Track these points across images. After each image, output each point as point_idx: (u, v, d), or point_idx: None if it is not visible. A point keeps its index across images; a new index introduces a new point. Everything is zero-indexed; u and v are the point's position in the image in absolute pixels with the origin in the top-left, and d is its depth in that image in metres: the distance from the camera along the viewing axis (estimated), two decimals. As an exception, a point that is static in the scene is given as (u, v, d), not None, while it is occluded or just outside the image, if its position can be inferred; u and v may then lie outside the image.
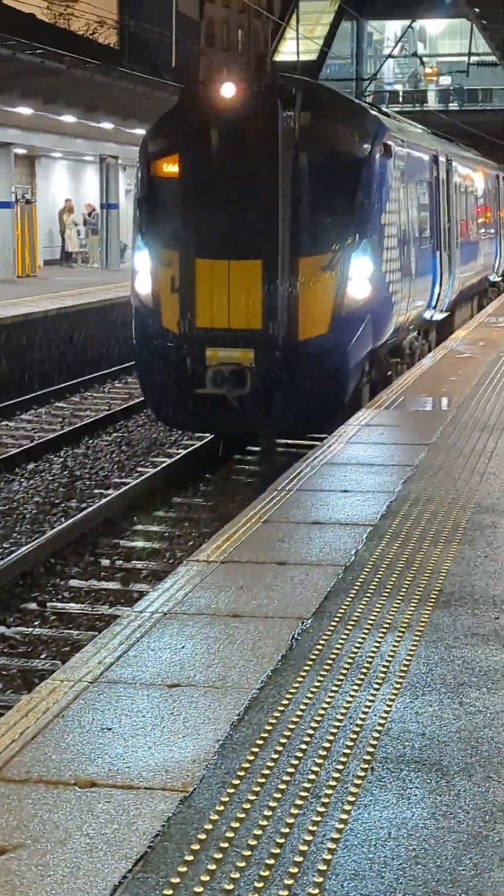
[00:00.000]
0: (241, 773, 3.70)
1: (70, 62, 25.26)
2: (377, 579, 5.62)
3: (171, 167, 12.38)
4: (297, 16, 40.50)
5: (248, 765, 3.76)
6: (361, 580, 5.60)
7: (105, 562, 10.22)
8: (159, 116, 13.02)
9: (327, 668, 4.57)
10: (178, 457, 13.70)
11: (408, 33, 47.68)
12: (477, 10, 16.42)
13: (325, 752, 3.85)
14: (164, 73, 34.57)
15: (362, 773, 3.71)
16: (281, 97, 11.87)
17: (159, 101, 27.13)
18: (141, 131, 27.53)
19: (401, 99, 54.75)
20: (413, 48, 54.06)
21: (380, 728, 4.02)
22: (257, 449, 14.22)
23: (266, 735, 3.96)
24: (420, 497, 7.17)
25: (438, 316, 16.76)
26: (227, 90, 11.97)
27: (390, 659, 4.65)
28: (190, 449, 14.09)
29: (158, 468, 13.20)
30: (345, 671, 4.54)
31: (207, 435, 14.14)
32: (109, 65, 28.99)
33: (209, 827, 3.39)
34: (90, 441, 15.43)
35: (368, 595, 5.40)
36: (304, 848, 3.29)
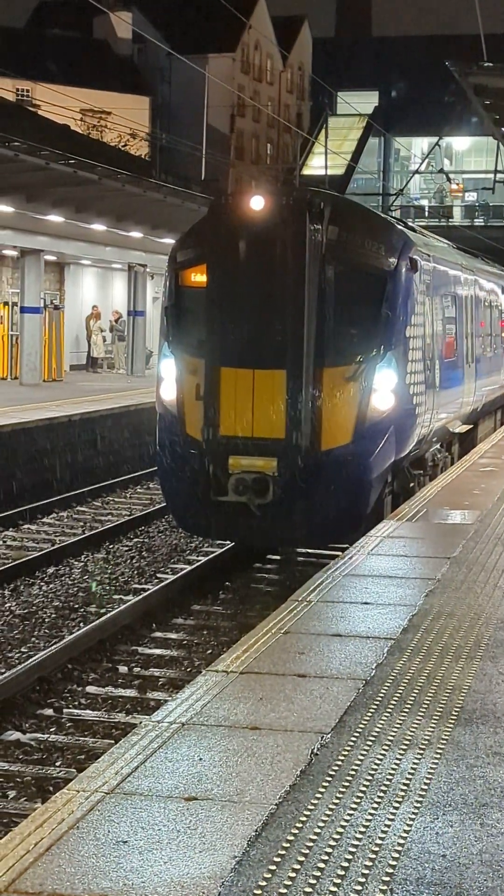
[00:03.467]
0: (258, 892, 3.66)
1: (102, 172, 25.88)
2: (398, 694, 5.59)
3: (198, 277, 12.62)
4: (325, 131, 41.52)
5: (264, 883, 3.72)
6: (382, 695, 5.57)
7: (123, 669, 10.17)
8: (188, 227, 13.31)
9: (346, 784, 4.53)
10: (198, 564, 13.69)
11: (434, 150, 48.76)
12: (503, 129, 16.80)
13: (343, 872, 3.80)
14: (194, 185, 35.42)
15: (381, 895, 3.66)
16: (309, 211, 12.12)
17: (188, 211, 27.77)
18: (170, 241, 28.16)
19: (427, 213, 55.75)
20: (439, 164, 55.13)
21: (399, 848, 3.97)
22: (278, 558, 14.20)
23: (283, 853, 3.92)
24: (442, 611, 7.15)
25: (462, 428, 16.84)
26: (256, 203, 12.24)
27: (410, 777, 4.60)
28: (210, 556, 14.09)
29: (178, 575, 13.19)
30: (364, 788, 4.49)
31: (228, 543, 14.14)
32: (140, 176, 29.67)
33: None
34: (111, 546, 15.45)
35: (389, 710, 5.36)
36: None
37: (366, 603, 7.34)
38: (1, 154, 22.81)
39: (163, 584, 12.77)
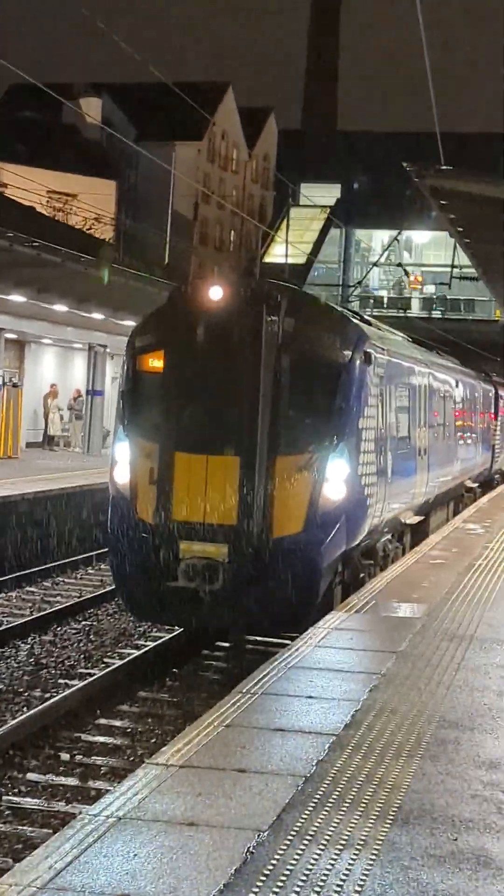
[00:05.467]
0: None
1: (66, 255, 26.12)
2: (337, 792, 5.56)
3: (156, 362, 12.72)
4: (287, 222, 42.12)
5: None
6: (321, 792, 5.55)
7: (65, 756, 10.04)
8: (148, 312, 13.45)
9: (280, 884, 4.49)
10: (146, 649, 13.60)
11: (394, 243, 49.54)
12: (460, 228, 17.18)
13: None
14: (157, 269, 35.76)
15: None
16: (267, 303, 12.29)
17: (150, 296, 28.01)
18: (130, 322, 28.29)
19: (385, 304, 56.53)
20: (399, 257, 56.07)
21: None
22: (226, 645, 14.13)
23: None
24: (385, 707, 7.14)
25: (414, 519, 16.94)
26: (215, 293, 12.40)
27: (345, 877, 4.58)
28: (158, 641, 14.00)
29: (125, 660, 13.08)
30: (298, 889, 4.46)
31: (177, 628, 14.06)
32: (104, 258, 29.95)
33: None
34: (58, 628, 15.32)
35: (327, 809, 5.34)
36: None
37: (310, 697, 7.32)
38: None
39: (109, 668, 12.67)
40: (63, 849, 4.74)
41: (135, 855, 4.69)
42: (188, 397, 12.33)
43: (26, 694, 12.01)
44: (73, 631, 15.23)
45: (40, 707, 10.95)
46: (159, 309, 13.13)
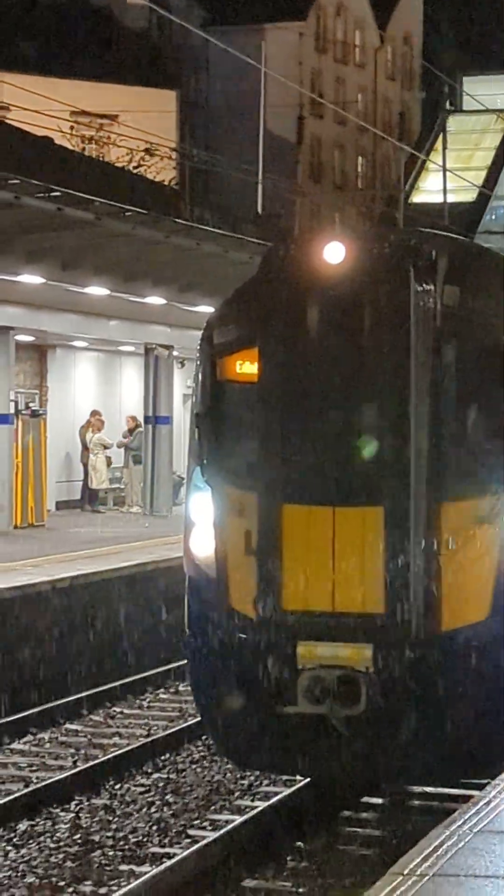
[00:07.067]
0: None
1: (102, 209, 26.38)
2: None
3: (247, 367, 12.77)
4: (444, 137, 42.15)
5: None
6: None
7: None
8: (233, 291, 13.52)
9: None
10: (253, 813, 13.61)
11: None
12: None
13: None
14: (244, 224, 36.03)
15: None
16: (416, 264, 12.29)
17: (234, 264, 28.18)
18: (206, 308, 28.47)
19: None
20: None
21: None
22: (378, 801, 14.08)
23: None
24: None
25: None
26: (335, 253, 12.42)
27: None
28: (272, 801, 13.99)
29: (221, 831, 13.11)
30: None
31: (299, 778, 14.06)
32: (161, 213, 30.24)
33: None
34: (116, 786, 15.40)
35: None
36: None
37: (510, 877, 7.25)
38: None
39: (198, 845, 12.71)
40: None
41: None
42: (300, 418, 12.36)
43: (71, 890, 12.07)
44: (140, 790, 15.30)
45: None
46: (250, 283, 13.19)
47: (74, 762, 16.56)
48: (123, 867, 12.67)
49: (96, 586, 22.31)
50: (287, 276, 12.57)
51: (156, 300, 31.77)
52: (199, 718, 14.44)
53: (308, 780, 13.91)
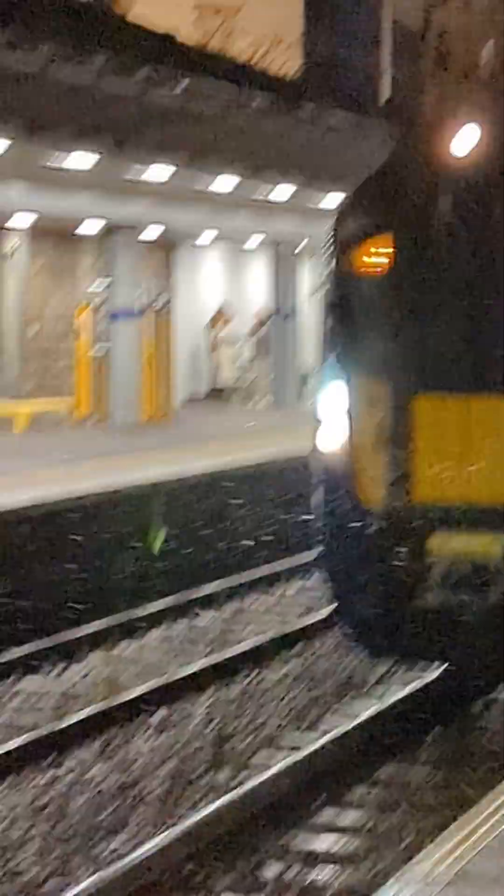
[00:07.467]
0: None
1: (228, 100, 26.28)
2: None
3: (379, 256, 12.63)
4: None
5: None
6: None
7: (269, 872, 10.14)
8: (363, 179, 13.35)
9: None
10: (388, 703, 13.65)
11: None
12: None
13: None
14: (370, 115, 35.60)
15: None
16: None
17: (362, 151, 27.92)
18: (333, 200, 28.24)
19: None
20: None
21: None
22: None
23: None
24: None
25: None
26: (466, 138, 12.24)
27: None
28: (408, 690, 14.02)
29: (355, 720, 13.13)
30: None
31: (435, 664, 14.05)
32: (286, 104, 30.01)
33: None
34: (249, 676, 15.48)
35: None
36: None
37: None
38: (75, 79, 23.35)
39: (330, 734, 12.74)
40: None
41: None
42: (436, 308, 12.24)
43: (205, 780, 12.17)
44: (273, 680, 15.36)
45: (227, 798, 11.08)
46: (380, 170, 13.02)
47: (206, 651, 16.66)
48: (256, 759, 12.70)
49: (227, 478, 22.39)
50: (419, 160, 12.42)
51: (283, 193, 31.56)
52: (333, 609, 14.40)
53: (442, 669, 13.91)
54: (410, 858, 6.49)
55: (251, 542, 22.32)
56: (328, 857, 10.39)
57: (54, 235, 32.27)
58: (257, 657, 16.11)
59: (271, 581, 20.84)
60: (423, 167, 12.37)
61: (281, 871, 10.16)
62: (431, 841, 7.34)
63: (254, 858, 10.36)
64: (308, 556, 20.17)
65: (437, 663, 13.84)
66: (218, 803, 10.96)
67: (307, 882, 9.97)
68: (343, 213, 13.06)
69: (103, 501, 19.77)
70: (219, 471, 22.50)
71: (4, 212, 28.68)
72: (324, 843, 10.68)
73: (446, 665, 13.67)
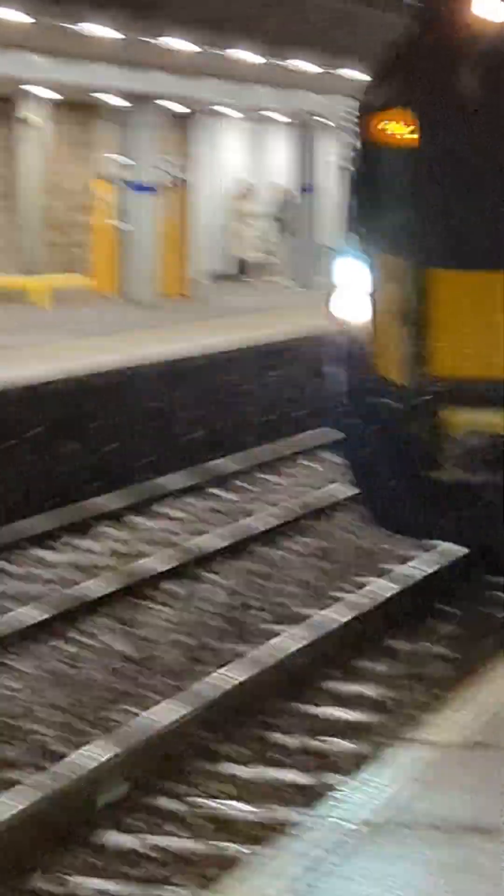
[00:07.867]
0: None
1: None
2: None
3: (405, 128, 12.50)
4: None
5: None
6: None
7: (280, 738, 10.24)
8: (390, 50, 13.18)
9: None
10: (401, 579, 13.71)
11: None
12: None
13: None
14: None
15: None
16: None
17: (390, 25, 27.55)
18: (358, 76, 27.99)
19: None
20: None
21: None
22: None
23: None
24: None
25: None
26: (496, 6, 12.07)
27: None
28: (420, 566, 14.08)
29: (369, 595, 13.22)
30: None
31: (448, 544, 14.10)
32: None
33: None
34: (266, 550, 15.56)
35: None
36: None
37: None
38: None
39: (344, 608, 12.84)
40: (287, 872, 4.84)
41: (392, 879, 4.75)
42: (461, 180, 12.12)
43: (221, 647, 12.28)
44: (289, 554, 15.44)
45: (241, 666, 11.18)
46: (407, 39, 12.83)
47: (225, 528, 16.70)
48: (273, 628, 12.76)
49: (250, 355, 22.40)
50: (448, 28, 12.26)
51: (306, 65, 31.31)
52: (352, 485, 14.43)
53: (456, 545, 13.96)
54: (418, 728, 6.53)
55: (275, 415, 22.33)
56: (339, 727, 10.50)
57: (74, 108, 32.12)
58: (274, 533, 16.19)
59: (294, 457, 20.87)
60: (453, 36, 12.21)
61: (291, 739, 10.28)
62: (440, 710, 7.43)
63: (266, 726, 10.49)
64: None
65: (449, 541, 13.90)
66: (232, 672, 11.07)
67: (319, 748, 10.10)
68: (369, 85, 12.93)
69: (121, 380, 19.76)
70: (248, 343, 22.43)
71: (24, 79, 28.55)
72: (333, 712, 10.79)
73: (459, 543, 13.73)
